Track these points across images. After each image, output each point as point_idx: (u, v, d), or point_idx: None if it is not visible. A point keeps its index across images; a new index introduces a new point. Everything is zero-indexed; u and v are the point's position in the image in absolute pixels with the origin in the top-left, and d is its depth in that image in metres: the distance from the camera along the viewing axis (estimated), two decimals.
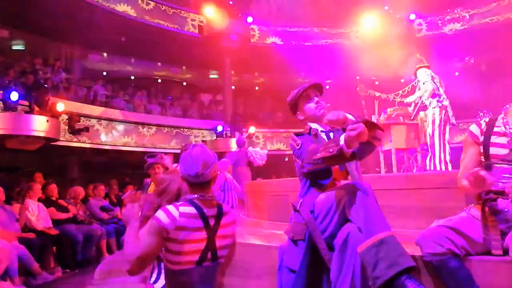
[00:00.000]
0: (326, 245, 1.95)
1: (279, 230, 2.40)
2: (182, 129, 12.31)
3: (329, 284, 1.91)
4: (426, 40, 12.70)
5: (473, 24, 12.46)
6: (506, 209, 1.96)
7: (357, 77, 6.34)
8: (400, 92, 6.16)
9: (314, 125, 2.27)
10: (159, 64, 15.28)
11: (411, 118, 5.93)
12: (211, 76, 16.57)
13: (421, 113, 5.79)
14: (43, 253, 5.23)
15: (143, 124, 11.56)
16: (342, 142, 1.80)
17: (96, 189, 7.32)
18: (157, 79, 15.67)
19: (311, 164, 1.99)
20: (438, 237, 1.93)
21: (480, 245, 1.97)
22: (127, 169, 11.85)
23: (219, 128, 12.10)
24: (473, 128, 2.19)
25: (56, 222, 5.86)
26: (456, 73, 13.77)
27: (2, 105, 7.09)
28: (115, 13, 10.80)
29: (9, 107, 6.94)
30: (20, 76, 9.21)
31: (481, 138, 2.13)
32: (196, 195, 1.87)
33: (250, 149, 7.21)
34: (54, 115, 7.61)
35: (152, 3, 11.84)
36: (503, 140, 2.06)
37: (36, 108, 7.29)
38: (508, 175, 1.99)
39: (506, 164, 2.01)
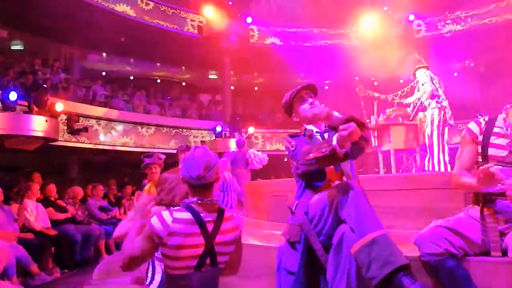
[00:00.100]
0: (322, 246, 1.95)
1: (278, 231, 2.40)
2: (181, 129, 12.30)
3: (326, 284, 1.91)
4: (425, 40, 12.72)
5: (472, 25, 12.47)
6: (505, 210, 1.96)
7: (356, 78, 6.35)
8: (399, 92, 6.17)
9: (309, 127, 2.27)
10: (158, 64, 15.27)
11: (410, 119, 5.94)
12: (211, 76, 16.58)
13: (420, 114, 5.80)
14: (42, 253, 5.21)
15: (142, 124, 11.55)
16: (334, 142, 1.82)
17: (95, 189, 7.31)
18: (156, 79, 15.66)
19: (305, 165, 2.00)
20: (436, 237, 1.93)
21: (479, 246, 1.97)
22: (126, 169, 11.84)
23: (218, 129, 12.10)
24: (472, 126, 2.15)
25: (55, 223, 5.85)
26: (455, 74, 13.80)
27: (1, 105, 7.07)
28: (115, 13, 10.79)
29: (8, 107, 6.93)
30: (19, 76, 9.20)
31: (480, 138, 2.10)
32: (195, 199, 1.83)
33: (251, 151, 7.19)
34: (53, 115, 7.60)
35: (152, 3, 11.84)
36: (502, 141, 2.03)
37: (35, 108, 7.28)
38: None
39: (504, 165, 1.99)
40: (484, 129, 2.10)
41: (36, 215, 5.53)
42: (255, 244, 2.88)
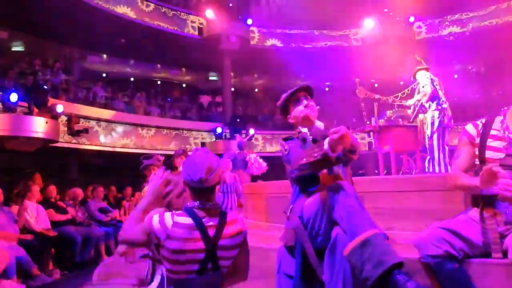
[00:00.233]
0: (320, 247, 1.94)
1: (278, 232, 2.39)
2: (181, 131, 12.31)
3: (323, 286, 1.90)
4: (425, 42, 12.73)
5: (472, 27, 12.49)
6: (504, 212, 1.96)
7: (357, 79, 6.34)
8: (400, 94, 6.17)
9: (304, 129, 2.25)
10: (159, 65, 15.29)
11: (410, 121, 5.93)
12: (211, 78, 16.59)
13: (420, 116, 5.79)
14: (42, 254, 5.21)
15: (142, 125, 11.55)
16: (326, 146, 1.81)
17: (95, 190, 7.31)
18: (157, 80, 15.68)
19: (298, 169, 1.99)
20: (436, 239, 1.93)
21: (479, 248, 1.96)
22: (126, 170, 11.84)
23: (219, 130, 12.09)
24: (470, 128, 2.16)
25: (55, 224, 5.85)
26: (455, 76, 13.82)
27: (1, 106, 7.08)
28: (115, 15, 10.81)
29: (8, 108, 6.93)
30: (19, 77, 9.22)
31: (477, 140, 2.10)
32: (197, 203, 1.79)
33: (252, 156, 7.17)
34: (53, 116, 7.60)
35: (152, 5, 11.86)
36: (499, 144, 2.04)
37: (36, 110, 7.28)
38: None
39: (501, 168, 1.99)
40: (481, 132, 2.10)
41: (36, 216, 5.52)
42: (255, 245, 2.88)
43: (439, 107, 5.49)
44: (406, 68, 7.01)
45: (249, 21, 13.14)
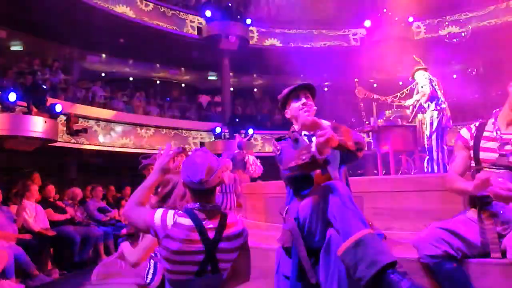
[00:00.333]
0: (318, 247, 1.93)
1: (277, 232, 2.39)
2: (180, 131, 12.30)
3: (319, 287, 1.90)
4: (424, 42, 12.74)
5: (471, 27, 12.49)
6: (501, 212, 1.97)
7: (356, 80, 6.35)
8: (399, 94, 6.18)
9: (304, 131, 2.25)
10: (158, 65, 15.26)
11: (409, 121, 5.94)
12: (210, 77, 16.58)
13: (419, 116, 5.80)
14: (40, 254, 5.22)
15: (141, 125, 11.53)
16: (313, 148, 1.80)
17: (94, 190, 7.31)
18: (156, 80, 15.66)
19: (288, 170, 1.99)
20: (435, 239, 1.93)
21: (478, 248, 1.97)
22: (125, 170, 11.83)
23: (218, 130, 12.08)
24: (464, 132, 2.21)
25: (54, 224, 5.85)
26: (454, 76, 13.82)
27: (0, 106, 7.07)
28: (114, 14, 10.78)
29: (7, 107, 6.93)
30: (18, 77, 9.20)
31: (471, 143, 2.14)
32: (197, 205, 1.77)
33: (251, 157, 7.17)
34: (52, 116, 7.59)
35: (151, 4, 11.84)
36: (492, 145, 2.07)
37: (34, 109, 7.27)
38: None
39: (496, 169, 2.01)
40: (474, 134, 2.15)
41: (35, 216, 5.52)
42: (254, 246, 2.88)
43: (438, 107, 5.50)
44: (405, 68, 7.01)
45: (248, 21, 13.13)
